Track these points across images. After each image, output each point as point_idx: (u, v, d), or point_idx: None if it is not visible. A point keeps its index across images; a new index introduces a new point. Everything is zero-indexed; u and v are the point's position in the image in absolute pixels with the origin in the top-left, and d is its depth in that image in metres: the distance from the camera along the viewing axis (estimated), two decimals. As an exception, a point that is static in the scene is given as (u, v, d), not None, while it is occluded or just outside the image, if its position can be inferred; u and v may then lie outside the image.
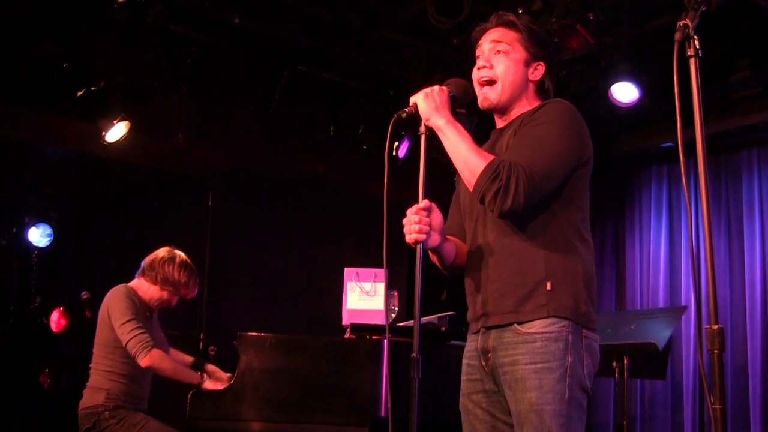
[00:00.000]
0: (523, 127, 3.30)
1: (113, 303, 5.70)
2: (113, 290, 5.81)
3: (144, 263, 5.96)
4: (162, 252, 6.00)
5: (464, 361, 3.45)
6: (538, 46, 3.48)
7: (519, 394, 3.14)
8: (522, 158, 3.14)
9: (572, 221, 3.29)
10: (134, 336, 5.54)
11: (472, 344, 3.41)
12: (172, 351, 6.02)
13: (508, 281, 3.24)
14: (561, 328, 3.14)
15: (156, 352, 5.55)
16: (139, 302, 5.79)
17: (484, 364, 3.30)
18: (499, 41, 3.45)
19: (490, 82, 3.43)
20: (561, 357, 3.12)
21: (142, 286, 5.91)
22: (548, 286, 3.18)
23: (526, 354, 3.14)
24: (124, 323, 5.58)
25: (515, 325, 3.19)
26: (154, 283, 5.89)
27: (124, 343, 5.57)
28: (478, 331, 3.36)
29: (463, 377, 3.43)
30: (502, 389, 3.24)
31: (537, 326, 3.15)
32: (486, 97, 3.44)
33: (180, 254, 6.01)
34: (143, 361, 5.51)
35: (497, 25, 3.50)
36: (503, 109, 3.47)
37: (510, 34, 3.46)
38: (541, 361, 3.12)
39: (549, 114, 3.28)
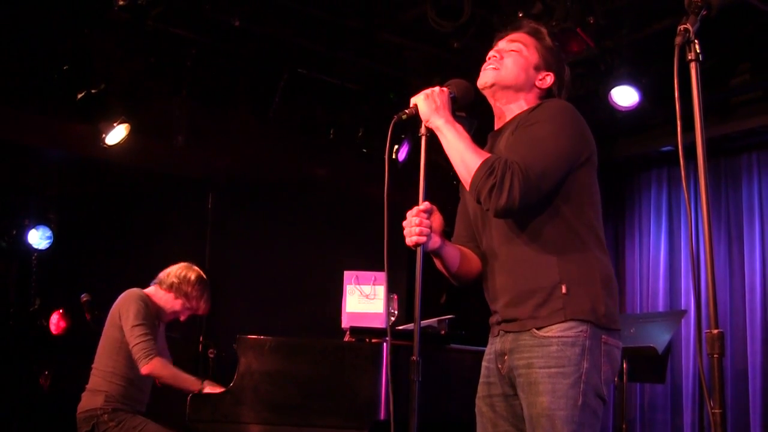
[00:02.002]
0: (520, 128, 3.30)
1: (127, 305, 5.75)
2: (128, 292, 5.86)
3: (161, 273, 6.04)
4: (181, 265, 6.11)
5: (483, 363, 3.45)
6: (552, 57, 3.50)
7: (532, 398, 3.14)
8: (518, 156, 3.13)
9: (584, 220, 3.28)
10: (141, 341, 5.60)
11: (491, 347, 3.42)
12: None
13: (524, 288, 3.24)
14: (579, 333, 3.13)
15: (157, 361, 5.60)
16: (152, 309, 5.84)
17: (500, 366, 3.31)
18: (515, 41, 3.48)
19: (493, 67, 3.45)
20: (576, 362, 3.10)
21: (156, 293, 5.98)
22: (563, 289, 3.17)
23: (541, 357, 3.14)
24: (134, 326, 5.64)
25: (533, 329, 3.19)
26: (169, 291, 5.97)
27: (130, 346, 5.61)
28: (497, 334, 3.36)
29: (481, 379, 3.44)
30: (517, 392, 3.24)
31: (554, 330, 3.15)
32: (484, 76, 3.46)
33: (198, 269, 6.12)
34: (144, 369, 5.58)
35: (520, 29, 3.53)
36: (496, 95, 3.47)
37: (528, 39, 3.49)
38: (555, 365, 3.11)
39: (546, 113, 3.28)
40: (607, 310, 3.20)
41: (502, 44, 3.51)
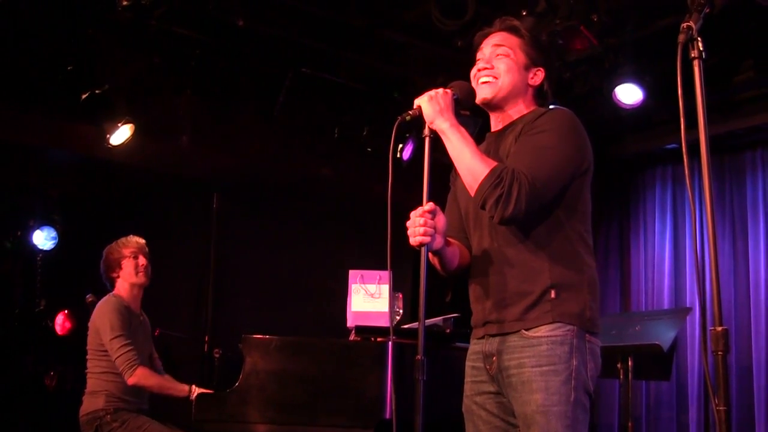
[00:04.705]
0: (524, 135, 3.32)
1: (101, 319, 5.81)
2: (103, 302, 5.91)
3: (104, 274, 6.13)
4: None
5: (468, 363, 3.48)
6: (538, 52, 3.53)
7: (525, 396, 3.17)
8: (524, 166, 3.16)
9: (576, 229, 3.32)
10: (122, 354, 5.65)
11: (476, 347, 3.44)
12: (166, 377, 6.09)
13: (514, 290, 3.27)
14: (566, 332, 3.18)
15: (141, 371, 5.65)
16: (128, 308, 5.88)
17: (488, 367, 3.33)
18: (500, 44, 3.49)
19: (490, 80, 3.45)
20: (566, 360, 3.16)
21: (119, 285, 6.07)
22: (553, 294, 3.22)
23: (532, 357, 3.18)
24: (112, 339, 5.70)
25: (522, 330, 3.23)
26: (115, 271, 6.05)
27: (113, 359, 5.66)
28: (482, 336, 3.39)
29: (467, 379, 3.46)
30: (506, 391, 3.26)
31: (542, 330, 3.20)
32: (482, 91, 3.46)
33: None
34: (129, 380, 5.65)
35: (500, 29, 3.53)
36: (497, 106, 3.50)
37: (512, 39, 3.50)
38: (546, 363, 3.16)
39: (551, 122, 3.30)
40: (592, 315, 3.27)
41: (486, 50, 3.51)
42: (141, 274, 6.05)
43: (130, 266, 6.02)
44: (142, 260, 6.08)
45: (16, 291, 8.40)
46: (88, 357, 5.91)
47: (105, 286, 6.09)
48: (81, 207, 8.43)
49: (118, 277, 6.04)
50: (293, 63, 7.84)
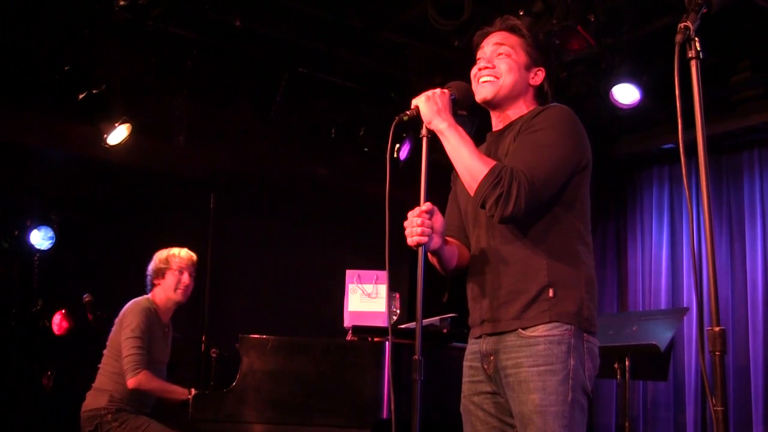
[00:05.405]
0: (522, 133, 3.31)
1: (130, 316, 5.87)
2: (135, 303, 5.96)
3: (148, 276, 6.15)
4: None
5: (465, 363, 3.47)
6: (539, 52, 3.52)
7: (522, 396, 3.16)
8: (523, 164, 3.15)
9: (575, 226, 3.31)
10: (131, 354, 5.70)
11: (473, 347, 3.43)
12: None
13: (512, 289, 3.26)
14: (564, 332, 3.17)
15: (143, 375, 5.71)
16: (158, 314, 5.90)
17: (486, 366, 3.32)
18: (501, 44, 3.48)
19: (491, 79, 3.45)
20: (564, 360, 3.15)
21: (157, 292, 6.09)
22: (550, 293, 3.20)
23: (529, 357, 3.17)
24: (128, 338, 5.75)
25: (519, 329, 3.22)
26: (162, 277, 6.07)
27: (122, 357, 5.68)
28: (479, 336, 3.38)
29: (465, 379, 3.46)
30: (503, 391, 3.26)
31: (540, 330, 3.18)
32: (483, 90, 3.45)
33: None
34: (130, 382, 5.70)
35: (500, 29, 3.52)
36: (498, 105, 3.49)
37: (512, 39, 3.49)
38: (544, 363, 3.14)
39: (549, 119, 3.29)
40: (589, 314, 3.26)
41: (487, 49, 3.51)
42: (180, 291, 6.10)
43: (172, 280, 6.08)
44: (186, 278, 6.13)
45: (13, 291, 8.39)
46: (105, 352, 5.97)
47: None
48: (78, 207, 8.43)
49: (159, 285, 6.10)
50: (290, 63, 7.83)
